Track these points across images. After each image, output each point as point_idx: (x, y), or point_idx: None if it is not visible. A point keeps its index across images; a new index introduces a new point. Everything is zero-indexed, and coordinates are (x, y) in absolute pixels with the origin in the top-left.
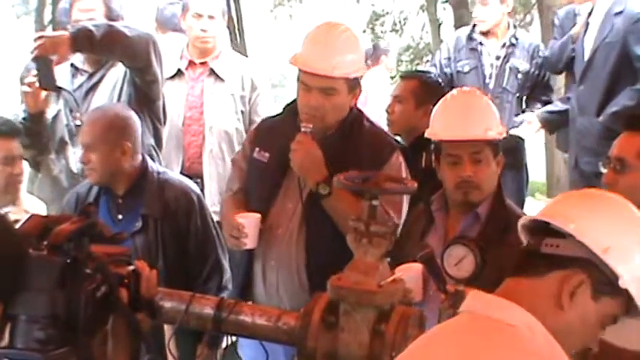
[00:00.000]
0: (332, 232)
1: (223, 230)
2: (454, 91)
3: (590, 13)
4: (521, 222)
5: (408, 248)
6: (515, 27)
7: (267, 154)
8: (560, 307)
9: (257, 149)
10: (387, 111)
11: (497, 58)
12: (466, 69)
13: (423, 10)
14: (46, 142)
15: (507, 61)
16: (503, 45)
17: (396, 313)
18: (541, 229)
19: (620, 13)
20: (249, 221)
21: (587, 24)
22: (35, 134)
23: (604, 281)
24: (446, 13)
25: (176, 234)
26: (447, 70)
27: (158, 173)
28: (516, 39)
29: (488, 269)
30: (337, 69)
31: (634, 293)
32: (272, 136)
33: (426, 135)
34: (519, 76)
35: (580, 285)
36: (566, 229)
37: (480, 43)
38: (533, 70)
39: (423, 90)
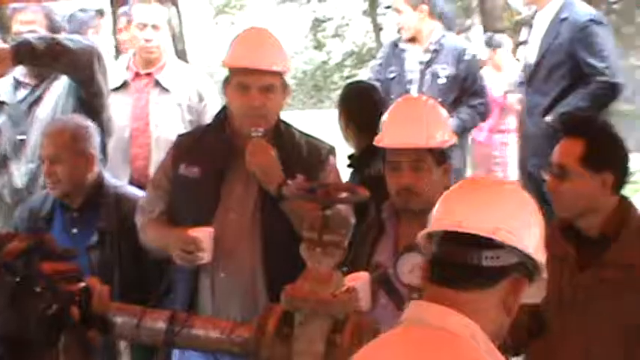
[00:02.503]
0: (288, 237)
1: (171, 248)
2: (401, 99)
3: (533, 17)
4: (430, 232)
5: (361, 256)
6: (443, 33)
7: (195, 169)
8: (508, 313)
9: (182, 165)
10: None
11: (421, 63)
12: (391, 75)
13: (366, 16)
14: None
15: (429, 67)
16: (426, 50)
17: (351, 323)
18: (454, 237)
19: (566, 19)
20: (205, 235)
21: (531, 27)
22: None
23: (532, 275)
24: (388, 19)
25: (133, 249)
26: (380, 77)
27: (115, 187)
28: (441, 44)
29: None
30: (276, 65)
31: (543, 272)
32: (198, 151)
33: (374, 142)
34: (440, 81)
35: (522, 288)
36: (510, 244)
37: (403, 50)
38: (459, 73)
39: None
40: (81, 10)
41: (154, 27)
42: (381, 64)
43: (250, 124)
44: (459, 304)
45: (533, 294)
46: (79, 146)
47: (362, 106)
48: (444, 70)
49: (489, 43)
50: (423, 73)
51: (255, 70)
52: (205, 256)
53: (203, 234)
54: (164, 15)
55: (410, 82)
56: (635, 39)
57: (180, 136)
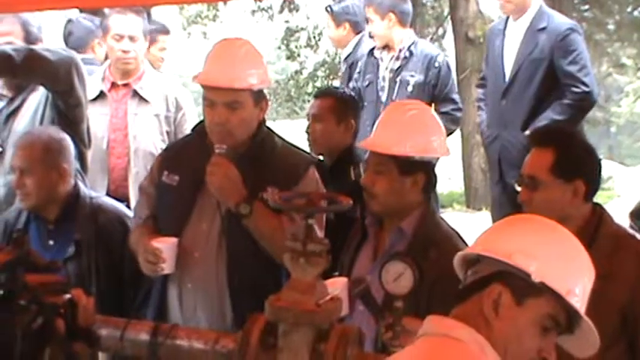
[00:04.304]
0: (253, 251)
1: (139, 256)
2: (394, 104)
3: (505, 27)
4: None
5: (345, 261)
6: (414, 40)
7: (176, 177)
8: (488, 323)
9: (165, 173)
10: (307, 132)
11: (391, 71)
12: (366, 83)
13: None
14: None
15: (399, 74)
16: (397, 58)
17: (335, 332)
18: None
19: (544, 29)
20: (167, 246)
21: (504, 37)
22: None
23: (521, 285)
24: None
25: (110, 260)
26: (358, 84)
27: (91, 198)
28: (411, 52)
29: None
30: (238, 81)
31: (552, 284)
32: (181, 159)
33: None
34: (409, 88)
35: (500, 296)
36: (474, 252)
37: (377, 58)
38: (429, 80)
39: (341, 106)
40: (85, 18)
41: (131, 38)
42: (359, 72)
43: (217, 140)
44: (456, 319)
45: (574, 345)
46: (51, 159)
47: None
48: (412, 78)
49: None
50: (392, 80)
51: (217, 87)
52: (165, 267)
53: (165, 245)
54: (140, 26)
55: (382, 88)
56: (606, 46)
57: (170, 143)
